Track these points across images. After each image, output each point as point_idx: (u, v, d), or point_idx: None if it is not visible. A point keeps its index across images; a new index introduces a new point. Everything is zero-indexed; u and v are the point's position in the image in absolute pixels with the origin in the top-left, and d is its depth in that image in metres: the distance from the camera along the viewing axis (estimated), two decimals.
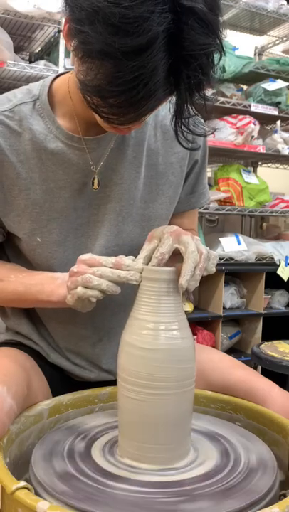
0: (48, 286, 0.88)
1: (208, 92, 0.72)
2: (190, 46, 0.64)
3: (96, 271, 0.77)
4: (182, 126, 0.74)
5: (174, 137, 0.96)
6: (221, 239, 2.52)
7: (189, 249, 0.74)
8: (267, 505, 0.63)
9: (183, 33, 0.63)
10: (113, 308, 0.97)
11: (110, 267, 0.77)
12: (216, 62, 0.69)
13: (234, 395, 0.94)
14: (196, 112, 0.73)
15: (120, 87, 0.66)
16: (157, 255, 0.76)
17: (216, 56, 0.68)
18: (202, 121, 0.90)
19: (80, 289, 0.77)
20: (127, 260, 0.77)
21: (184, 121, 0.73)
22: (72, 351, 1.00)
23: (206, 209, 2.50)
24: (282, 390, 0.93)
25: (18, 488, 0.60)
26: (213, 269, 0.78)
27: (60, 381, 1.00)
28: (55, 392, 0.95)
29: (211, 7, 0.64)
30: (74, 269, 0.79)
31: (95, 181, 0.92)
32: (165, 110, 0.96)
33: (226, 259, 2.45)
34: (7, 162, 0.90)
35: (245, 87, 2.82)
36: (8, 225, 0.94)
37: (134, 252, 0.83)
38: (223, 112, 2.58)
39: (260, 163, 3.21)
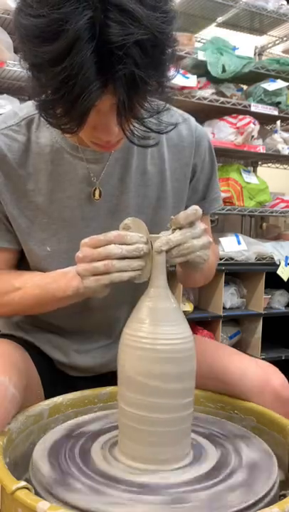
0: (61, 281, 0.85)
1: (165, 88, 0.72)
2: (113, 38, 0.62)
3: (102, 250, 0.75)
4: (134, 123, 0.73)
5: (177, 143, 0.97)
6: (221, 239, 2.51)
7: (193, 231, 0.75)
8: (267, 506, 0.63)
9: (104, 27, 0.62)
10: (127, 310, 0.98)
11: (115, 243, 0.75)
12: (158, 53, 0.66)
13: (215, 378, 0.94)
14: (146, 108, 0.72)
15: (55, 94, 0.66)
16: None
17: (152, 46, 0.64)
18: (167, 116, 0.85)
19: (115, 275, 0.75)
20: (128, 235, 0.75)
21: (127, 116, 0.70)
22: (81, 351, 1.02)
23: None
24: (258, 368, 0.93)
25: (18, 488, 0.60)
26: (198, 259, 0.77)
27: (50, 372, 1.02)
28: (51, 385, 0.98)
29: None
30: (79, 254, 0.78)
31: (96, 192, 0.93)
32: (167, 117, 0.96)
33: (226, 259, 2.45)
34: (16, 176, 0.91)
35: (245, 87, 2.82)
36: (19, 235, 0.94)
37: None
38: (223, 112, 2.58)
39: (260, 163, 3.20)
